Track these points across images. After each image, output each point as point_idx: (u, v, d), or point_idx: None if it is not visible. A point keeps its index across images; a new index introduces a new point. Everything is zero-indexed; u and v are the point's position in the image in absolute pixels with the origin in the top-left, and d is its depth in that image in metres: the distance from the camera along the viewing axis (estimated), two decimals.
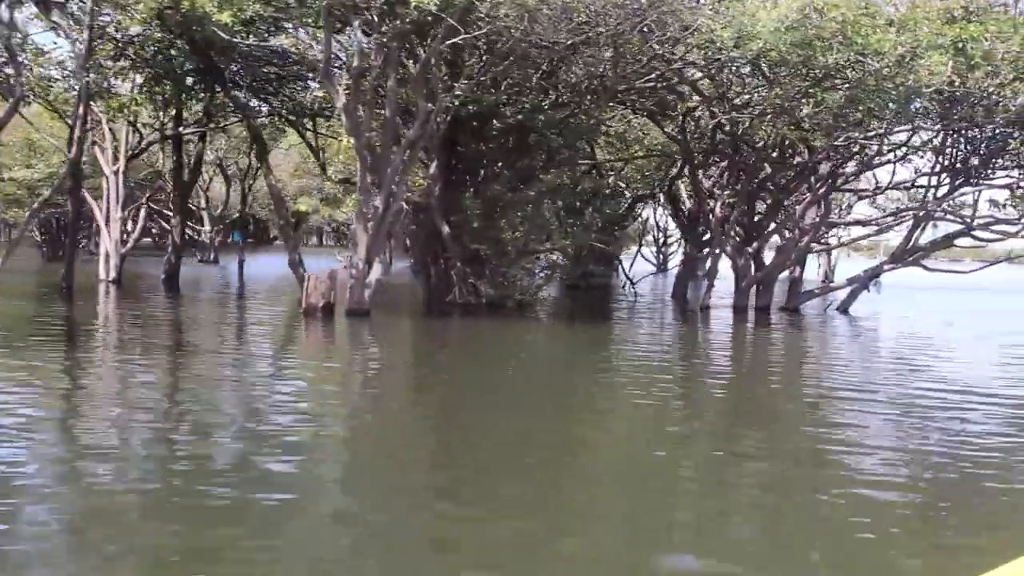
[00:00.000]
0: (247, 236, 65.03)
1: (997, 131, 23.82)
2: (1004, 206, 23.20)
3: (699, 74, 21.01)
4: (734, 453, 8.26)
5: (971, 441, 8.75)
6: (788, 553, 5.56)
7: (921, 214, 24.35)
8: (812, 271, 55.24)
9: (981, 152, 24.66)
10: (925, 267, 25.39)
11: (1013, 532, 6.07)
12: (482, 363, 14.60)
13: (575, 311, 24.92)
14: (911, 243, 25.32)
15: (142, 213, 31.57)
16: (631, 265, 37.46)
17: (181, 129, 28.46)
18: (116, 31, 23.83)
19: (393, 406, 10.38)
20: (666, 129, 26.00)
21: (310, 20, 18.72)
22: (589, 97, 20.78)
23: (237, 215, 50.62)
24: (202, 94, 26.90)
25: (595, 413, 10.27)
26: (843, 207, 28.11)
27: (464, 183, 22.97)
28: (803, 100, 19.63)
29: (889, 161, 24.31)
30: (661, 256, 55.85)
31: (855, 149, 23.35)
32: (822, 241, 26.19)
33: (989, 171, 24.74)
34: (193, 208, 49.35)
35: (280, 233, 34.35)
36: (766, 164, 23.75)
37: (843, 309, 25.47)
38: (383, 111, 19.48)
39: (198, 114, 28.90)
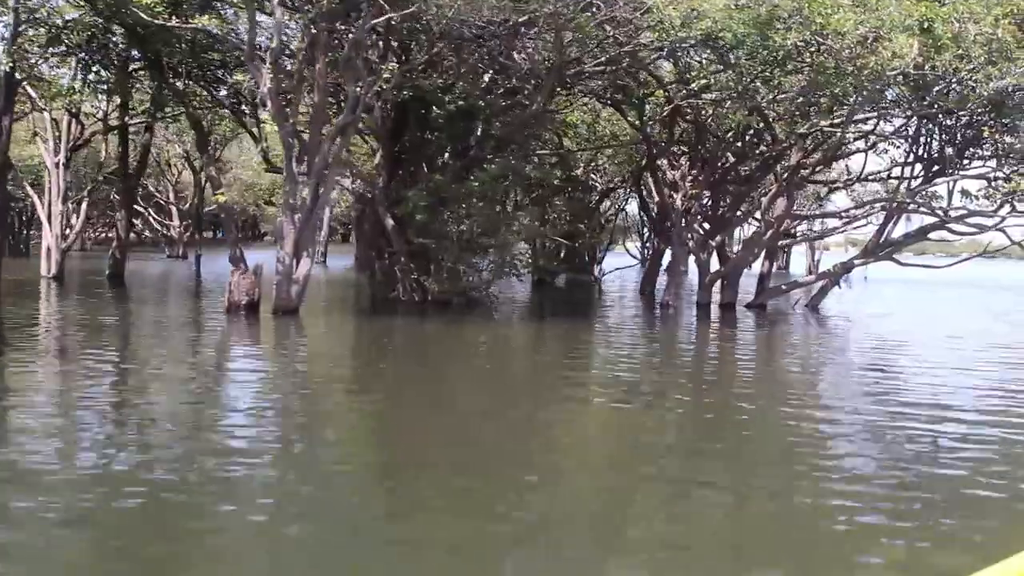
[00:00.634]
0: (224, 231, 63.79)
1: (973, 119, 22.69)
2: (976, 197, 21.96)
3: (659, 58, 19.81)
4: (665, 479, 7.13)
5: (941, 460, 7.64)
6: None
7: (892, 206, 23.16)
8: (800, 266, 54.34)
9: (956, 141, 23.49)
10: (898, 262, 24.23)
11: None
12: (398, 365, 13.48)
13: (528, 309, 23.76)
14: (884, 236, 24.17)
15: (83, 208, 30.37)
16: (601, 259, 36.40)
17: (127, 120, 27.30)
18: (48, 15, 22.68)
19: (268, 414, 9.21)
20: (629, 118, 24.83)
21: None
22: (533, 82, 19.57)
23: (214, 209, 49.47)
24: (150, 82, 25.77)
25: (515, 422, 9.13)
26: (818, 199, 26.86)
27: (410, 174, 21.81)
28: (762, 84, 18.42)
29: (859, 151, 23.11)
30: (647, 250, 54.65)
31: (822, 138, 22.14)
32: (791, 234, 24.97)
33: (965, 161, 23.56)
34: (162, 203, 48.27)
35: (224, 227, 33.28)
36: (729, 154, 22.56)
37: (812, 306, 24.32)
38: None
39: (146, 104, 27.74)
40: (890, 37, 18.12)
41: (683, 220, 22.77)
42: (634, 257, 54.07)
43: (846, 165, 26.25)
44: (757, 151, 22.39)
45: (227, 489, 6.27)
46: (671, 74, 21.16)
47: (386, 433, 8.63)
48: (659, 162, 24.82)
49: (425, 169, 21.69)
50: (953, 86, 20.40)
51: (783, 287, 24.20)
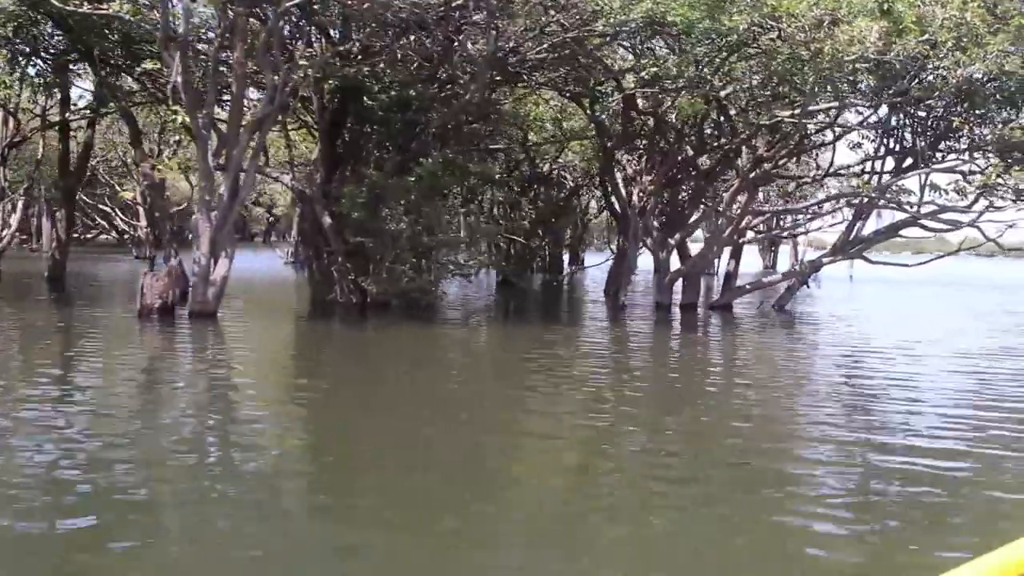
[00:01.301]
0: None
1: (946, 110, 21.52)
2: (945, 191, 20.77)
3: (603, 45, 18.65)
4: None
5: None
6: None
7: (863, 202, 21.97)
8: (786, 264, 53.11)
9: (928, 133, 22.32)
10: (868, 260, 23.07)
11: None
12: (305, 374, 12.33)
13: (474, 312, 22.56)
14: (854, 234, 23.00)
15: (19, 207, 29.20)
16: (582, 259, 35.32)
17: (68, 116, 26.17)
18: None
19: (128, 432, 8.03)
20: (588, 111, 23.65)
21: None
22: (469, 71, 18.38)
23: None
24: (92, 76, 24.63)
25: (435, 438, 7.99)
26: (786, 195, 25.62)
27: (349, 169, 20.65)
28: (712, 72, 17.26)
29: (825, 144, 21.93)
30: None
31: (784, 130, 20.95)
32: (755, 232, 23.78)
33: (939, 155, 22.38)
34: (129, 202, 47.18)
35: (157, 226, 32.15)
36: (688, 147, 21.39)
37: (779, 307, 23.14)
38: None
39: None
40: (848, 20, 17.00)
41: (639, 217, 21.58)
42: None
43: (815, 160, 25.01)
44: (716, 144, 21.20)
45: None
46: (623, 62, 19.98)
47: (277, 454, 7.46)
48: (619, 157, 23.65)
49: (369, 164, 20.52)
50: (920, 74, 19.23)
51: (747, 287, 23.01)
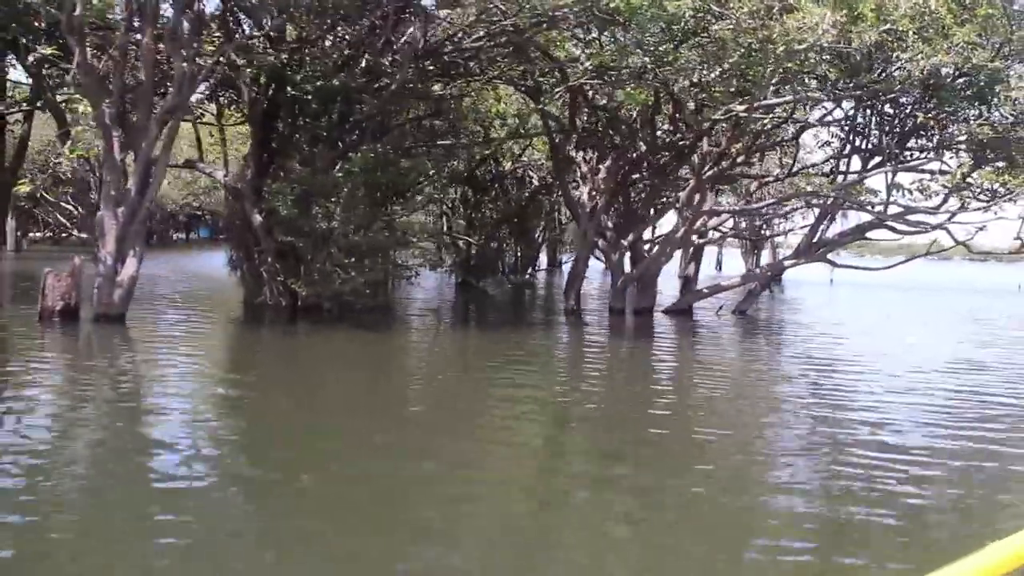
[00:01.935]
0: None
1: (913, 106, 20.44)
2: (909, 191, 19.67)
3: (537, 33, 17.55)
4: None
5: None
6: None
7: (824, 202, 20.89)
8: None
9: (896, 131, 21.23)
10: (832, 263, 21.99)
11: None
12: (198, 386, 11.20)
13: (414, 317, 21.43)
14: (818, 235, 21.93)
15: None
16: (560, 260, 34.19)
17: (2, 109, 25.05)
18: None
19: None
20: (539, 106, 22.53)
21: None
22: (390, 60, 17.24)
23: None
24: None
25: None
26: (748, 195, 24.49)
27: (282, 165, 19.55)
28: (659, 61, 16.18)
29: (782, 141, 20.84)
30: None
31: (746, 126, 19.85)
32: (710, 233, 22.67)
33: (908, 153, 21.28)
34: (92, 201, 46.02)
35: (80, 225, 31.00)
36: (641, 143, 20.29)
37: (740, 311, 22.07)
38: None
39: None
40: (799, 6, 15.93)
41: (589, 216, 20.47)
42: (598, 259, 52.06)
43: (779, 159, 23.91)
44: (669, 140, 20.10)
45: None
46: (573, 52, 18.88)
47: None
48: (573, 154, 22.55)
49: (303, 160, 19.42)
50: (884, 67, 18.17)
51: (704, 291, 21.92)
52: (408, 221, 19.69)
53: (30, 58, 20.91)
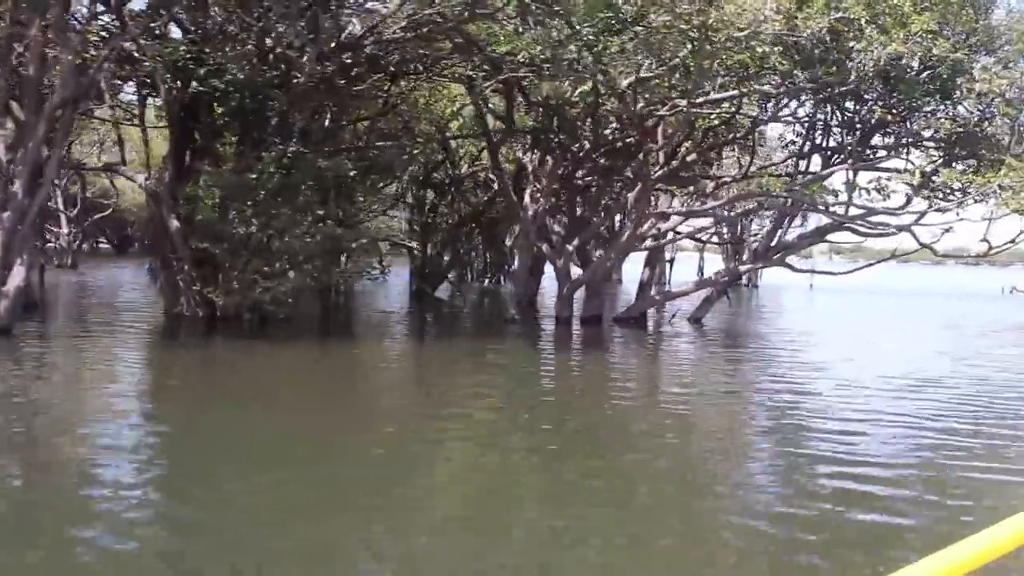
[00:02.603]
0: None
1: (875, 101, 19.29)
2: (866, 191, 18.48)
3: (464, 22, 16.40)
4: None
5: None
6: None
7: (785, 203, 19.74)
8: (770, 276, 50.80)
9: (856, 127, 20.07)
10: (791, 267, 20.82)
11: None
12: (75, 410, 9.96)
13: (342, 326, 20.16)
14: (776, 238, 20.79)
15: None
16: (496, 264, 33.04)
17: None
18: None
19: None
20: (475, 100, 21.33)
21: None
22: (302, 52, 16.01)
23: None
24: None
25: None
26: (703, 196, 23.24)
27: (198, 167, 18.37)
28: (589, 51, 15.01)
29: (736, 139, 19.68)
30: None
31: (696, 122, 18.72)
32: (669, 236, 21.42)
33: (869, 151, 20.12)
34: (50, 207, 44.79)
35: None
36: (585, 142, 19.12)
37: (695, 319, 20.89)
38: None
39: None
40: None
41: (531, 219, 19.28)
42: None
43: (737, 158, 22.71)
44: (614, 138, 18.92)
45: None
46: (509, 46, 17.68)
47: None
48: (521, 154, 21.40)
49: (221, 161, 18.25)
50: (836, 57, 17.00)
51: (657, 297, 20.73)
52: (366, 226, 18.26)
53: None
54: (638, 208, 18.21)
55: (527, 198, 19.40)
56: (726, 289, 21.09)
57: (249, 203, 17.22)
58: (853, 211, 19.62)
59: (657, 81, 17.00)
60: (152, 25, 15.60)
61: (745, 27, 14.47)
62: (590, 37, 14.73)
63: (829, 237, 21.14)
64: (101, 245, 63.22)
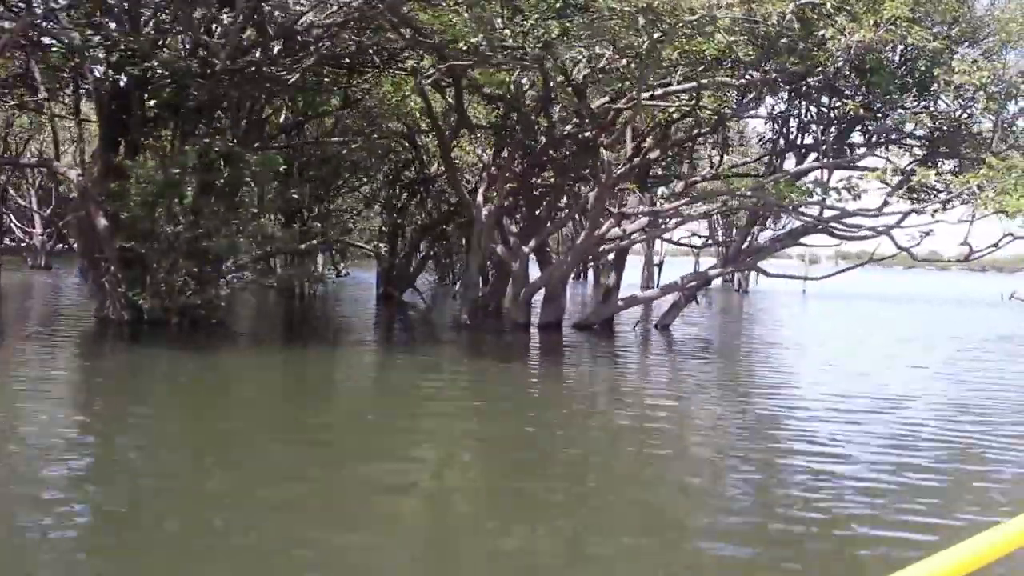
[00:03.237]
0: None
1: (851, 95, 18.11)
2: (836, 191, 17.28)
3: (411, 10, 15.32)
4: None
5: None
6: None
7: (757, 204, 18.55)
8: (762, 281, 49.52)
9: (832, 124, 18.91)
10: (764, 272, 19.66)
11: None
12: None
13: (283, 331, 19.06)
14: (748, 241, 19.64)
15: None
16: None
17: None
18: None
19: None
20: (443, 94, 20.31)
21: None
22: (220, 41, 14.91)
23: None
24: None
25: None
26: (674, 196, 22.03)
27: (121, 163, 17.32)
28: (524, 36, 13.93)
29: (702, 134, 18.53)
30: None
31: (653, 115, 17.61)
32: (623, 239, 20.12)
33: (846, 149, 18.93)
34: (24, 207, 43.98)
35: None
36: (541, 137, 18.00)
37: (663, 326, 19.74)
38: None
39: None
40: None
41: (484, 219, 18.16)
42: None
43: (709, 157, 21.54)
44: (569, 133, 17.79)
45: None
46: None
47: None
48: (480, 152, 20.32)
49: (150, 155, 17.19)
50: (803, 46, 15.84)
51: (620, 303, 19.58)
52: (257, 226, 17.06)
53: None
54: (595, 209, 17.08)
55: (479, 197, 18.27)
56: (695, 294, 19.93)
57: (177, 200, 16.19)
58: (828, 212, 18.49)
59: (608, 72, 15.92)
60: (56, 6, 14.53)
61: (698, 12, 13.33)
62: (530, 22, 13.64)
63: (807, 240, 19.98)
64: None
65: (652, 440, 8.89)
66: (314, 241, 22.13)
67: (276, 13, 14.75)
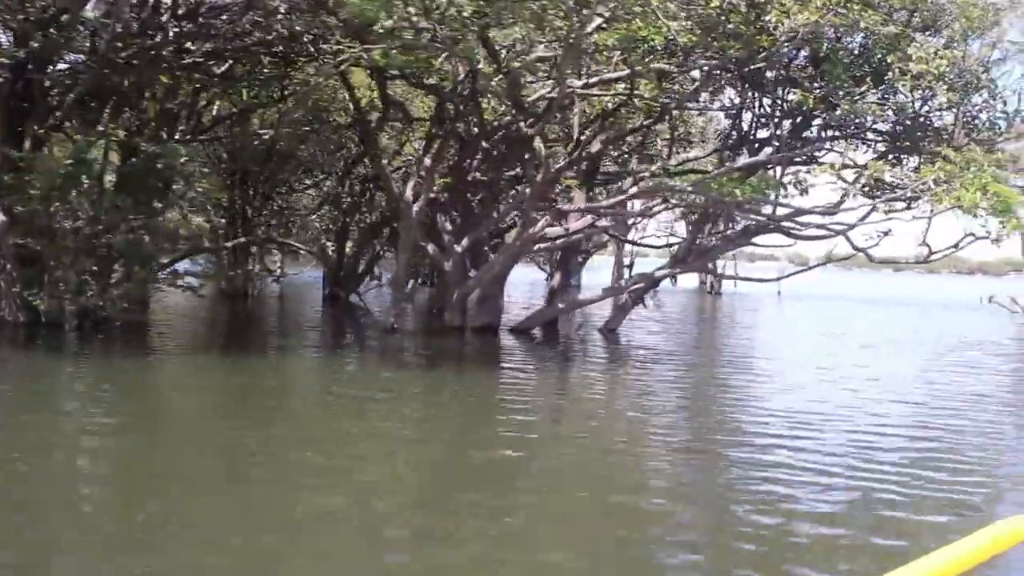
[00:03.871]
0: None
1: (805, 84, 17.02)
2: (784, 187, 16.17)
3: None
4: None
5: None
6: None
7: (705, 202, 17.44)
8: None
9: (786, 116, 17.82)
10: (713, 273, 18.57)
11: None
12: None
13: (193, 335, 17.85)
14: (698, 240, 18.54)
15: None
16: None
17: None
18: None
19: None
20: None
21: None
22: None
23: None
24: None
25: None
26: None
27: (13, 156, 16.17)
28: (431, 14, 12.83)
29: (644, 126, 17.42)
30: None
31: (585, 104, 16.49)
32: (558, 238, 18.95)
33: (801, 144, 17.83)
34: None
35: None
36: (474, 129, 16.88)
37: (609, 329, 18.61)
38: None
39: None
40: None
41: (413, 215, 17.00)
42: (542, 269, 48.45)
43: (651, 154, 20.39)
44: (501, 124, 16.67)
45: None
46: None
47: None
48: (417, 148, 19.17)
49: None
50: (747, 30, 14.73)
51: (560, 306, 18.48)
52: (153, 223, 15.86)
53: None
54: (527, 205, 15.97)
55: (409, 191, 17.14)
56: (642, 296, 18.82)
57: (75, 194, 15.04)
58: (783, 211, 17.38)
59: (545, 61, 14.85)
60: None
61: None
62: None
63: (760, 240, 18.89)
64: None
65: (521, 474, 7.77)
66: (243, 240, 20.99)
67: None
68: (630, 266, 40.11)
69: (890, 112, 16.84)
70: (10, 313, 15.89)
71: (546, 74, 15.87)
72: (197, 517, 5.90)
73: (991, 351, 19.55)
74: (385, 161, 26.77)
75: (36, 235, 15.38)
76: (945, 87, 15.86)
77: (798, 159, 17.31)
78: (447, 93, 16.76)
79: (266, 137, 23.43)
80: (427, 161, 16.96)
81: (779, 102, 17.91)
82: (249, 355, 15.44)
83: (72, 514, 5.98)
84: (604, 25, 13.91)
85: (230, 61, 17.16)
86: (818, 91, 16.65)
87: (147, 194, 16.07)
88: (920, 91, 16.29)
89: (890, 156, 18.49)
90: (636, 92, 14.95)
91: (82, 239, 15.23)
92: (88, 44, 13.90)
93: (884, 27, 15.07)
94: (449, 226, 18.34)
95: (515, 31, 14.21)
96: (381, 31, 14.07)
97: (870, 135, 18.62)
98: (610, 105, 16.25)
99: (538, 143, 16.44)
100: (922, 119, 17.35)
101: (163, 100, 16.61)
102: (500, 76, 15.48)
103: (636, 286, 18.18)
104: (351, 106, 21.26)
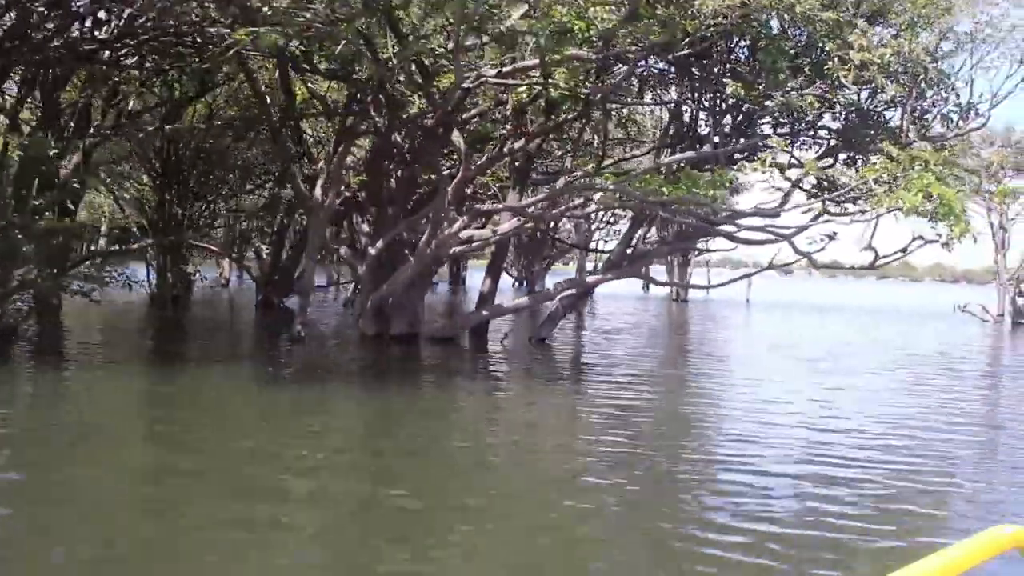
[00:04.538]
0: None
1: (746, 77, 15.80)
2: (713, 185, 14.87)
3: None
4: None
5: None
6: None
7: (640, 203, 16.17)
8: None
9: (727, 111, 16.61)
10: (652, 280, 17.33)
11: None
12: None
13: (105, 345, 16.54)
14: (633, 244, 17.30)
15: None
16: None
17: None
18: None
19: None
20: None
21: None
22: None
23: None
24: None
25: None
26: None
27: None
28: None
29: (567, 121, 16.15)
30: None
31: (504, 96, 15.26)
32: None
33: (745, 140, 16.61)
34: None
35: None
36: (384, 121, 15.59)
37: (539, 339, 17.33)
38: None
39: None
40: None
41: (319, 215, 15.71)
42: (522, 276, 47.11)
43: (588, 151, 19.08)
44: (411, 117, 15.37)
45: None
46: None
47: None
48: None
49: None
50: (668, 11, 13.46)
51: (484, 313, 17.22)
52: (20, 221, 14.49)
53: None
54: (437, 204, 14.71)
55: (318, 189, 15.86)
56: (575, 304, 17.56)
57: None
58: (725, 212, 16.16)
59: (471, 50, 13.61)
60: None
61: None
62: None
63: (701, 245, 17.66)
64: None
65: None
66: (148, 242, 19.69)
67: None
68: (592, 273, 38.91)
69: (838, 107, 15.64)
70: None
71: (468, 63, 14.60)
72: None
73: (943, 364, 18.32)
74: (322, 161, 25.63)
75: None
76: (890, 79, 14.67)
77: (738, 156, 16.04)
78: (357, 82, 15.49)
79: (195, 133, 22.15)
80: (335, 157, 15.69)
81: (719, 96, 16.71)
82: (124, 365, 14.02)
83: None
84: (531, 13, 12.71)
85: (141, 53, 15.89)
86: (761, 85, 15.45)
87: (29, 192, 14.73)
88: (865, 84, 15.09)
89: (841, 155, 17.39)
90: (552, 81, 13.69)
91: None
92: None
93: (823, 12, 13.85)
94: (366, 227, 17.06)
95: (415, 11, 12.98)
96: (269, 12, 12.83)
97: (822, 132, 17.48)
98: (525, 96, 14.99)
99: (456, 137, 15.20)
100: (871, 115, 16.17)
101: (51, 92, 15.31)
102: (405, 61, 14.22)
103: (566, 292, 16.88)
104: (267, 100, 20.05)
